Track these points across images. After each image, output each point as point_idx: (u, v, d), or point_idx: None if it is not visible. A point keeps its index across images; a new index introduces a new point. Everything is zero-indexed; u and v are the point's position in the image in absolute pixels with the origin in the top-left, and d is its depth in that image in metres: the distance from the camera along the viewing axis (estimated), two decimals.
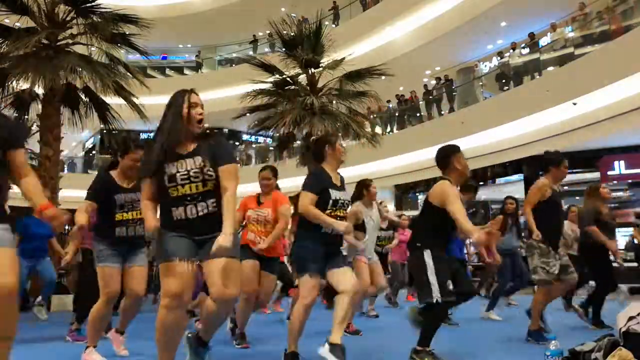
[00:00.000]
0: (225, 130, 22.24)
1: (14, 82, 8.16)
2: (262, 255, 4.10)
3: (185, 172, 2.50)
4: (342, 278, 3.17)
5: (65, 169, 19.10)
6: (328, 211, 3.23)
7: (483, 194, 13.16)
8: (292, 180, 10.13)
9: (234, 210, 2.58)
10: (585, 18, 11.54)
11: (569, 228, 6.14)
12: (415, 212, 16.21)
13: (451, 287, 3.25)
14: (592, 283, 5.95)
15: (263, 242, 4.04)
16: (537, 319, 4.17)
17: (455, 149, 3.59)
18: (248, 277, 3.94)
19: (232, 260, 2.48)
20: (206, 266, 2.52)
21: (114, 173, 3.58)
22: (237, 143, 21.73)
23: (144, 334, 3.50)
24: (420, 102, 15.73)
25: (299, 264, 3.29)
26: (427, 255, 3.29)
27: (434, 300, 3.17)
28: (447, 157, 3.56)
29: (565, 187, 13.77)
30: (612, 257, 5.14)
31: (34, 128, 12.77)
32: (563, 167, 4.20)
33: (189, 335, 2.79)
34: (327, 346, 3.02)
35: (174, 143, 2.53)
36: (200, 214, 2.50)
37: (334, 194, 3.27)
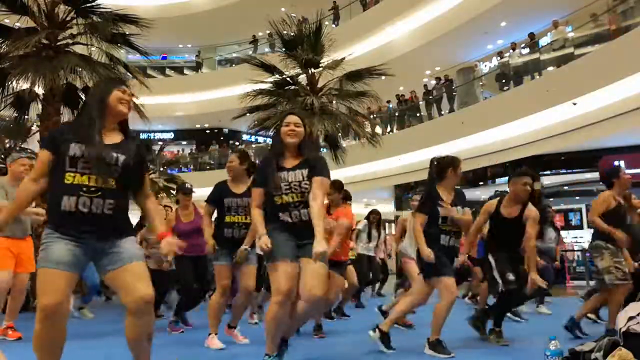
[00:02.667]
0: (225, 130, 22.26)
1: (14, 82, 8.15)
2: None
3: (287, 184, 2.96)
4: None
5: None
6: (440, 226, 3.78)
7: (483, 194, 13.15)
8: None
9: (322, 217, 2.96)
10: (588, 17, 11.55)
11: None
12: None
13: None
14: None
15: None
16: (614, 318, 3.99)
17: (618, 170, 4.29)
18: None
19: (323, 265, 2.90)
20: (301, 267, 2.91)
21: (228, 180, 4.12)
22: (237, 143, 21.72)
23: None
24: (420, 102, 15.73)
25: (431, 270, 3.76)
26: None
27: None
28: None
29: (565, 187, 13.78)
30: None
31: (34, 128, 12.79)
32: (623, 175, 4.29)
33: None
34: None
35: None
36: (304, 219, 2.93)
37: (442, 211, 3.77)
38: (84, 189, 2.20)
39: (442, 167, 3.92)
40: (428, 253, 3.64)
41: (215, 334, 4.03)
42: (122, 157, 2.30)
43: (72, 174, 2.20)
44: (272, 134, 3.25)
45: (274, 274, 2.88)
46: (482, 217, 4.25)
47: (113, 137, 2.36)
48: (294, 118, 3.08)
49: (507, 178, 4.44)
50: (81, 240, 2.21)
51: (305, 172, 3.00)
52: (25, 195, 2.30)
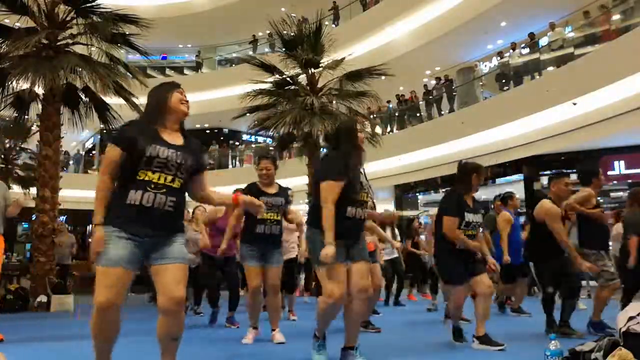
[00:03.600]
0: (225, 130, 22.25)
1: (14, 82, 8.16)
2: None
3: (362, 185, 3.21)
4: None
5: (70, 164, 19.25)
6: (461, 230, 3.85)
7: (483, 194, 13.13)
8: (292, 180, 10.16)
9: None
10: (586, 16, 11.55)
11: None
12: (415, 212, 16.23)
13: None
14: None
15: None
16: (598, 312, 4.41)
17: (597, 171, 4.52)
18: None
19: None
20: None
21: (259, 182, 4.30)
22: (237, 143, 21.72)
23: None
24: (420, 102, 15.72)
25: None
26: None
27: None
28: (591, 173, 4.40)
29: None
30: None
31: (34, 128, 12.79)
32: (601, 177, 4.59)
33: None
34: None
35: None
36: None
37: (468, 216, 3.88)
38: (152, 185, 2.33)
39: (465, 172, 4.01)
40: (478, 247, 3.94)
41: (254, 329, 4.32)
42: (188, 159, 2.43)
43: (145, 172, 2.33)
44: (345, 138, 3.44)
45: (324, 279, 3.05)
46: (560, 224, 4.30)
47: (176, 139, 2.47)
48: None
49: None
50: (139, 236, 2.31)
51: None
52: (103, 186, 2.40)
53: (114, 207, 2.33)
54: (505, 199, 6.31)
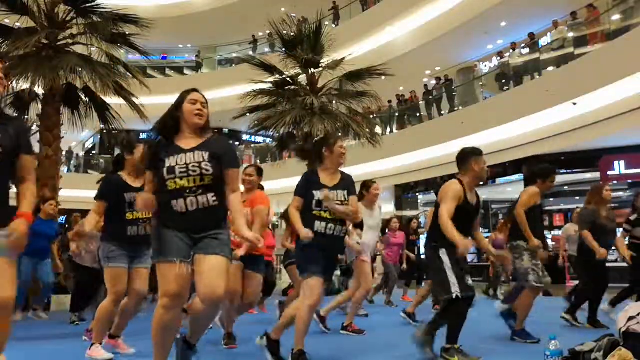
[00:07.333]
0: (225, 130, 22.26)
1: (14, 82, 8.15)
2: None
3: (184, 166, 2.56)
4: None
5: (70, 166, 19.21)
6: (314, 212, 3.30)
7: (483, 194, 13.09)
8: (292, 180, 10.12)
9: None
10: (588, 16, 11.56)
11: (572, 229, 6.32)
12: (415, 212, 16.24)
13: (470, 282, 3.34)
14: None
15: (241, 249, 3.74)
16: (523, 320, 4.22)
17: (476, 152, 3.63)
18: (232, 278, 3.68)
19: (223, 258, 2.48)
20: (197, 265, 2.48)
21: (123, 173, 3.68)
22: (237, 143, 21.73)
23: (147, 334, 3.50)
24: (420, 102, 15.73)
25: (300, 266, 3.39)
26: (443, 253, 3.36)
27: (454, 296, 3.23)
28: (465, 158, 3.61)
29: (565, 187, 13.78)
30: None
31: (34, 128, 12.78)
32: (550, 181, 4.38)
33: (178, 337, 2.74)
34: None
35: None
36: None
37: (318, 194, 3.29)
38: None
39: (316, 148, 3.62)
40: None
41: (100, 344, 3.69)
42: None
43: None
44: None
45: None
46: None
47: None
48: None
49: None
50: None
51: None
52: None
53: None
54: None
